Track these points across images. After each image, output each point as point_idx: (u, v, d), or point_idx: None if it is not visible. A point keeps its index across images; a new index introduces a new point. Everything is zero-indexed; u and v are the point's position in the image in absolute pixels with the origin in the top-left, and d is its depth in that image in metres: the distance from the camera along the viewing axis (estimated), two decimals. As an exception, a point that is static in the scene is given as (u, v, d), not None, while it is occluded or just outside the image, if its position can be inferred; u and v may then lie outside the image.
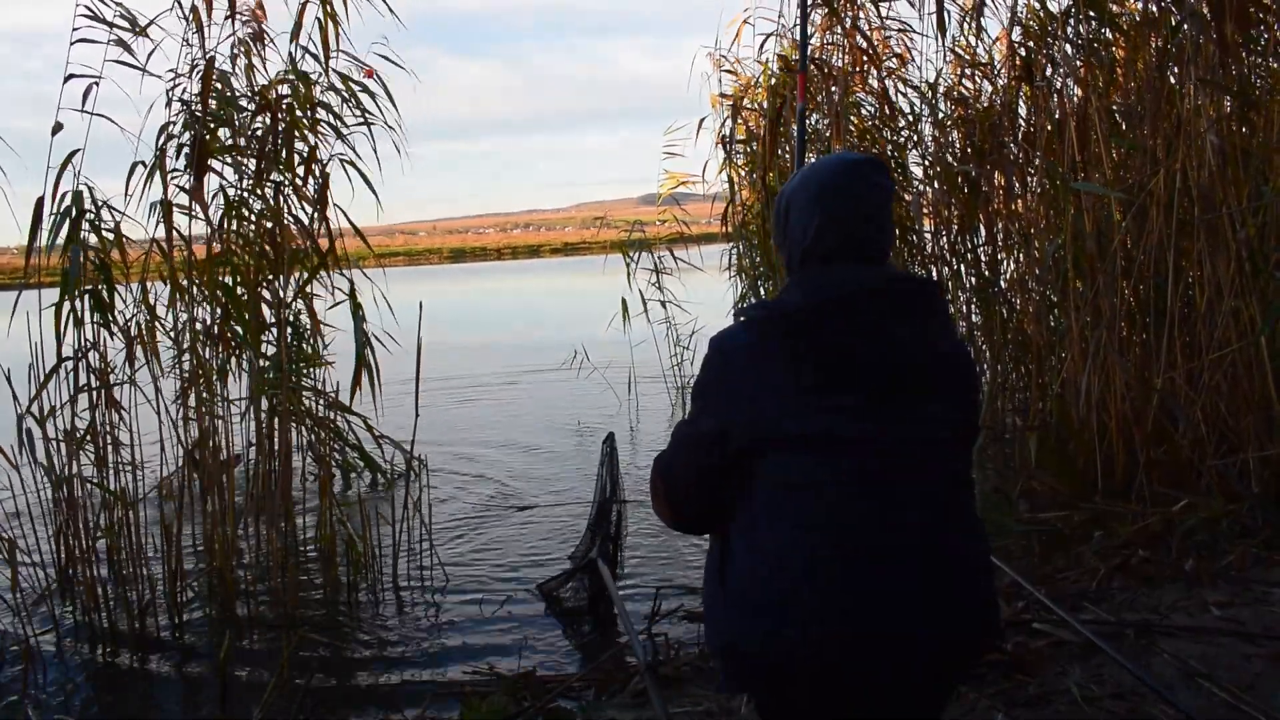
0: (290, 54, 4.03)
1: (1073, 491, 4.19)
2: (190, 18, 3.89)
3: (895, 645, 1.50)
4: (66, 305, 3.49)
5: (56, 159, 3.47)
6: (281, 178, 4.02)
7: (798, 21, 4.98)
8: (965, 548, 1.58)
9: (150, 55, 3.70)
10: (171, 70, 3.89)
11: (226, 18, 3.97)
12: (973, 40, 5.26)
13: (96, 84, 3.51)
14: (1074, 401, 4.30)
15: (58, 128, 3.45)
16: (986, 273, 5.38)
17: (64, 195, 3.48)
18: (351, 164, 4.08)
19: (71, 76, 3.50)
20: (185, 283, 3.89)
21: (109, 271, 3.58)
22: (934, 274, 5.57)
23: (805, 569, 1.50)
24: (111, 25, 3.56)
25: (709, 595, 1.67)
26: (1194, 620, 2.86)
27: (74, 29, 3.51)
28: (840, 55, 5.30)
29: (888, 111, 5.58)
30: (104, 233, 3.61)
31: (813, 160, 1.78)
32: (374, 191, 4.11)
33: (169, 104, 3.87)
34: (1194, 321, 4.10)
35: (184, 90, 3.88)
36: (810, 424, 1.52)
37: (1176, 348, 4.07)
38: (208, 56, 3.87)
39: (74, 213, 3.49)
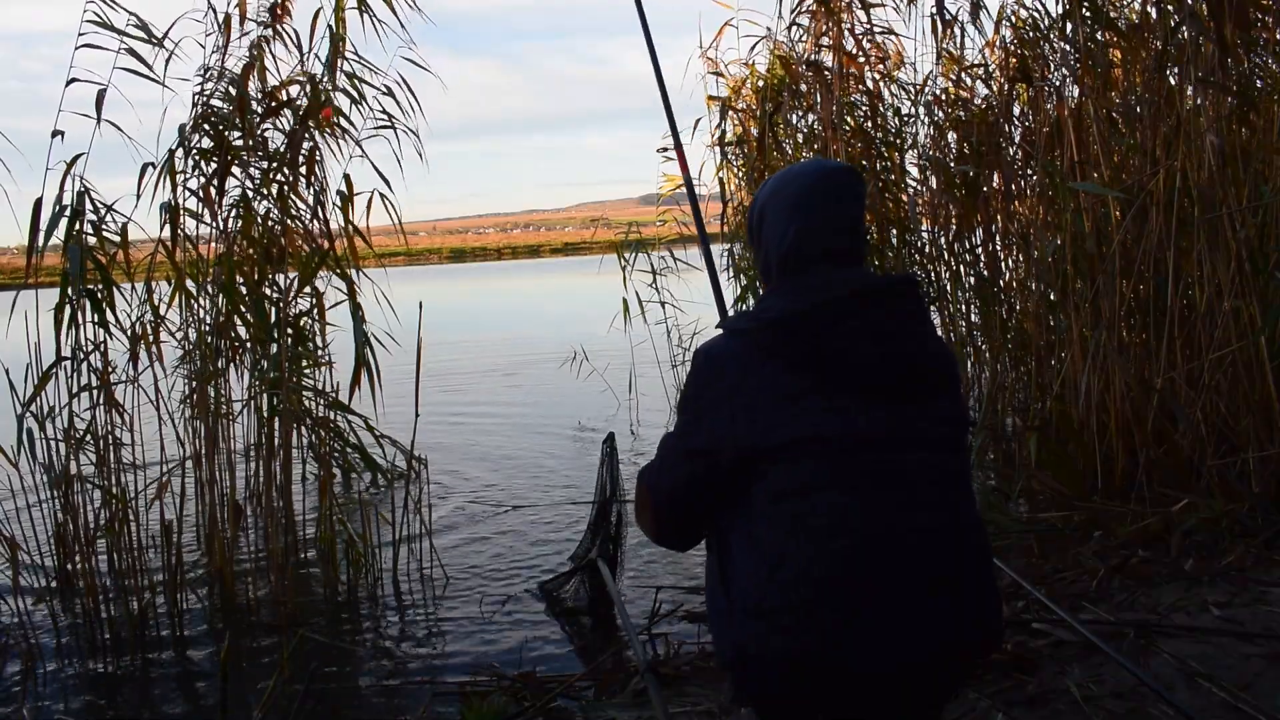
0: (328, 58, 4.04)
1: (1073, 491, 4.19)
2: (221, 25, 3.91)
3: (903, 647, 1.50)
4: (66, 305, 3.50)
5: (55, 159, 3.48)
6: (289, 178, 4.02)
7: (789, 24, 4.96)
8: (969, 547, 1.58)
9: (168, 63, 3.73)
10: (199, 73, 3.92)
11: (262, 24, 3.99)
12: (966, 42, 5.27)
13: (104, 90, 3.51)
14: (1074, 401, 4.31)
15: (58, 134, 3.45)
16: (986, 273, 5.38)
17: (60, 198, 3.49)
18: (375, 167, 4.12)
19: (74, 80, 3.50)
20: (192, 285, 3.90)
21: (107, 272, 3.58)
22: (934, 274, 5.58)
23: (811, 575, 1.50)
24: (122, 33, 3.57)
25: (714, 608, 1.66)
26: (1193, 620, 2.86)
27: (80, 33, 3.52)
28: (831, 57, 5.31)
29: (879, 111, 5.58)
30: (104, 234, 3.62)
31: (786, 167, 1.78)
32: (385, 198, 4.12)
33: (194, 105, 3.88)
34: (1194, 321, 4.10)
35: (210, 93, 3.91)
36: (807, 429, 1.52)
37: (1176, 348, 4.07)
38: (247, 62, 3.91)
39: (72, 213, 3.50)
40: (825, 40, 5.31)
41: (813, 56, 5.32)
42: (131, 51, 3.58)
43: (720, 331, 1.68)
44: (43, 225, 3.47)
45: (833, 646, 1.49)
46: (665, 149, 6.83)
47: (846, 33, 5.32)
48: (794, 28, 5.44)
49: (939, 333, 1.72)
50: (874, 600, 1.49)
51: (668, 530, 1.75)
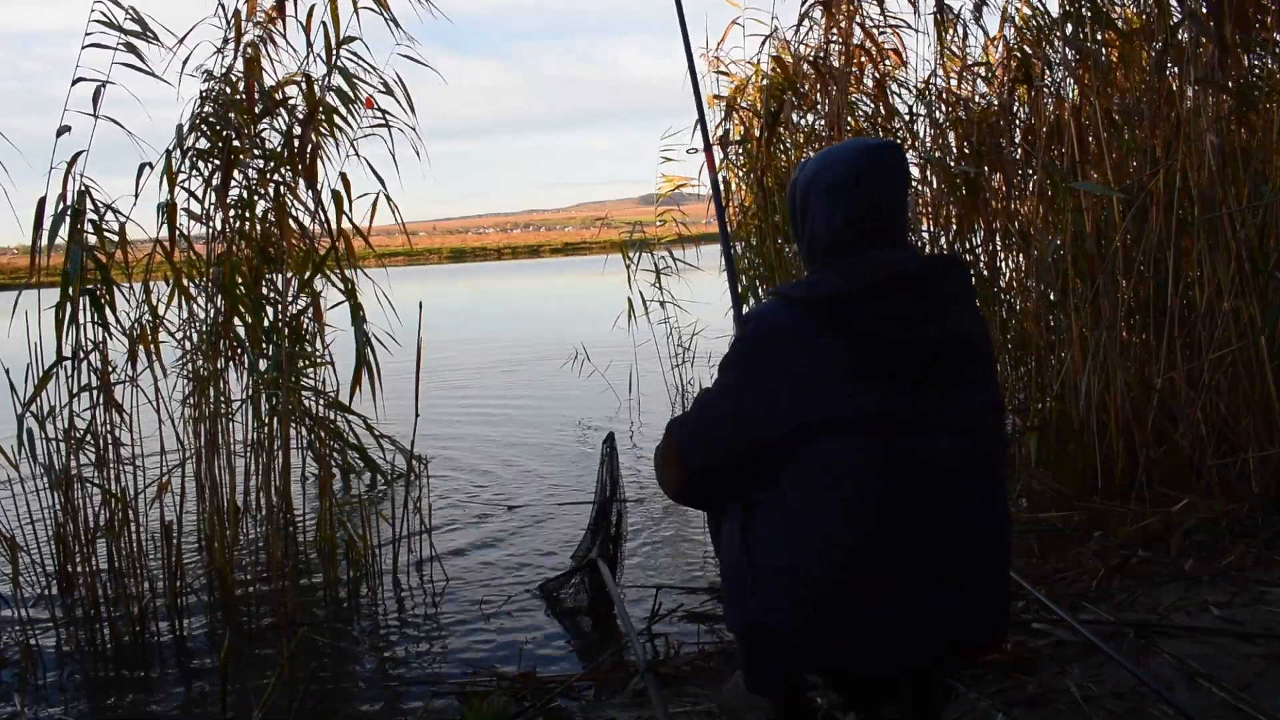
0: (320, 53, 4.02)
1: (1073, 491, 4.20)
2: (231, 21, 3.90)
3: (905, 647, 1.51)
4: (66, 305, 3.49)
5: (59, 159, 3.47)
6: (286, 178, 4.01)
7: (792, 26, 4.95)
8: (977, 546, 1.58)
9: (185, 62, 3.73)
10: (199, 73, 3.90)
11: (258, 23, 3.98)
12: (968, 42, 5.27)
13: (104, 85, 3.51)
14: (1074, 401, 4.31)
15: (64, 130, 3.44)
16: (986, 273, 5.39)
17: (61, 197, 3.49)
18: (371, 166, 4.10)
19: (80, 80, 3.50)
20: (188, 283, 3.90)
21: (108, 271, 3.58)
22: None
23: (849, 554, 1.49)
24: (127, 32, 3.56)
25: (733, 575, 1.63)
26: (1193, 620, 2.86)
27: (86, 33, 3.52)
28: (838, 55, 5.31)
29: (883, 111, 5.58)
30: (105, 233, 3.62)
31: (824, 149, 1.77)
32: (390, 199, 4.11)
33: (202, 102, 3.87)
34: (1194, 321, 4.10)
35: (215, 91, 3.89)
36: (858, 408, 1.51)
37: (1176, 348, 4.07)
38: (246, 60, 3.89)
39: (73, 213, 3.49)
40: (833, 35, 5.31)
41: (819, 54, 5.31)
42: (130, 47, 3.57)
43: (773, 298, 1.65)
44: (46, 224, 3.47)
45: (833, 645, 1.50)
46: (668, 151, 6.84)
47: (857, 28, 5.32)
48: (803, 23, 5.44)
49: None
50: (883, 599, 1.49)
51: (696, 490, 1.72)
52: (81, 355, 3.54)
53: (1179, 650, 2.63)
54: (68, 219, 3.48)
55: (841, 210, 1.61)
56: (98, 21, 3.52)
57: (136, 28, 3.58)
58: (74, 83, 3.48)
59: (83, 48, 3.49)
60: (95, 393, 3.58)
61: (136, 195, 3.67)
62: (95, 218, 3.57)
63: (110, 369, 3.62)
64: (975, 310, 1.67)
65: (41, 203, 3.47)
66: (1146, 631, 2.76)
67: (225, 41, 3.96)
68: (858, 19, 5.31)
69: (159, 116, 3.78)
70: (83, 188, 3.52)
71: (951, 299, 1.60)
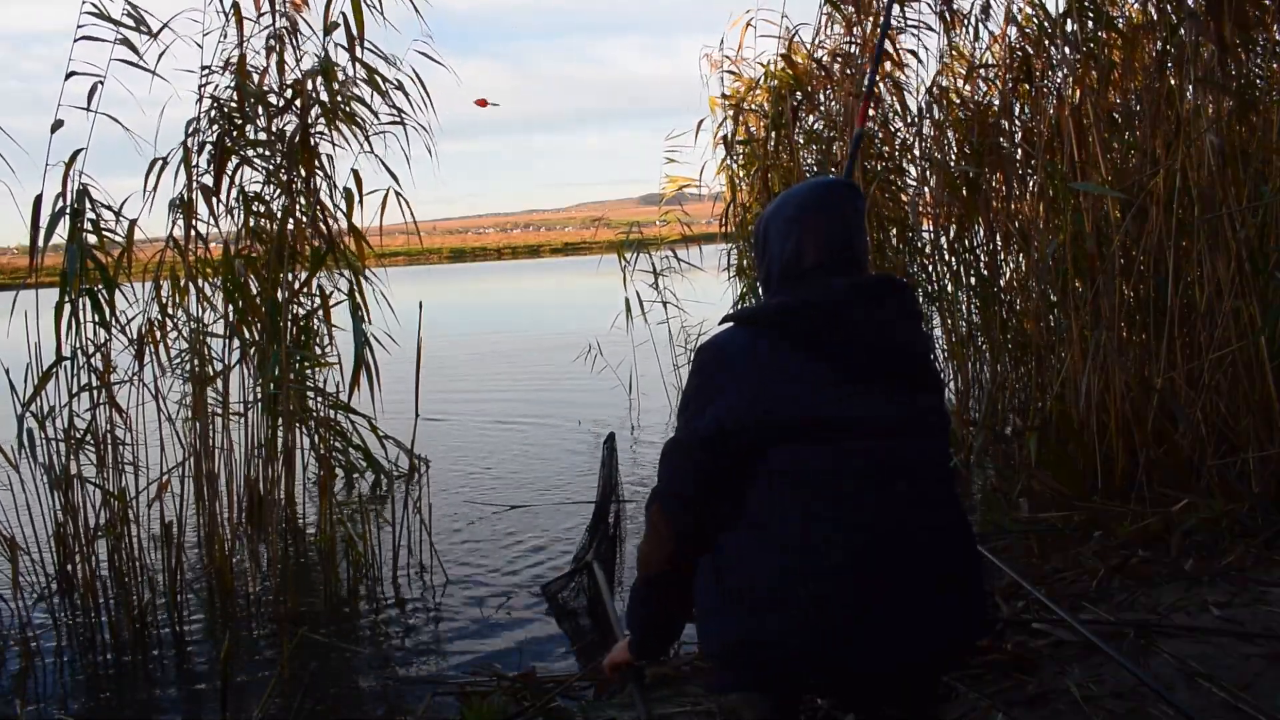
0: (324, 48, 3.98)
1: (1073, 491, 4.20)
2: (231, 13, 3.88)
3: (906, 647, 1.51)
4: (66, 305, 3.49)
5: (55, 157, 3.46)
6: (300, 175, 3.99)
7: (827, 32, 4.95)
8: (964, 540, 1.61)
9: (160, 56, 3.69)
10: (206, 66, 3.88)
11: (262, 14, 3.96)
12: (970, 43, 5.27)
13: (101, 83, 3.49)
14: (1074, 401, 4.31)
15: (58, 125, 3.42)
16: (986, 273, 5.39)
17: (60, 196, 3.47)
18: (385, 164, 4.06)
19: (73, 74, 3.47)
20: (202, 282, 3.88)
21: (106, 271, 3.57)
22: (934, 274, 5.58)
23: (850, 554, 1.50)
24: (118, 23, 3.54)
25: (704, 605, 1.64)
26: (1193, 620, 2.86)
27: (78, 25, 3.48)
28: (848, 62, 5.31)
29: (882, 113, 5.58)
30: (104, 232, 3.61)
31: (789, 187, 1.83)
32: (402, 197, 4.09)
33: (200, 99, 3.86)
34: (1194, 321, 4.10)
35: (215, 86, 3.88)
36: (859, 408, 1.54)
37: (1176, 348, 4.07)
38: (240, 53, 3.85)
39: (73, 212, 3.48)
40: (854, 37, 5.32)
41: (835, 55, 5.32)
42: (126, 42, 3.54)
43: (722, 328, 1.68)
44: (43, 223, 3.46)
45: (833, 646, 1.50)
46: (671, 151, 6.82)
47: (850, 30, 5.32)
48: (824, 28, 5.45)
49: (937, 332, 1.77)
50: (883, 598, 1.50)
51: (687, 539, 1.65)
52: (83, 358, 3.52)
53: (1179, 650, 2.63)
54: (66, 218, 3.47)
55: (794, 240, 1.68)
56: (90, 13, 3.49)
57: (127, 18, 3.55)
58: (67, 77, 3.44)
59: (75, 40, 3.46)
60: (95, 392, 3.58)
61: (153, 190, 3.64)
62: (94, 216, 3.56)
63: (111, 369, 3.61)
64: (922, 326, 1.76)
65: (38, 201, 3.45)
66: (1146, 631, 2.76)
67: (209, 35, 3.92)
68: (863, 24, 5.31)
69: (155, 115, 3.75)
70: (82, 186, 3.51)
71: (906, 311, 1.67)
